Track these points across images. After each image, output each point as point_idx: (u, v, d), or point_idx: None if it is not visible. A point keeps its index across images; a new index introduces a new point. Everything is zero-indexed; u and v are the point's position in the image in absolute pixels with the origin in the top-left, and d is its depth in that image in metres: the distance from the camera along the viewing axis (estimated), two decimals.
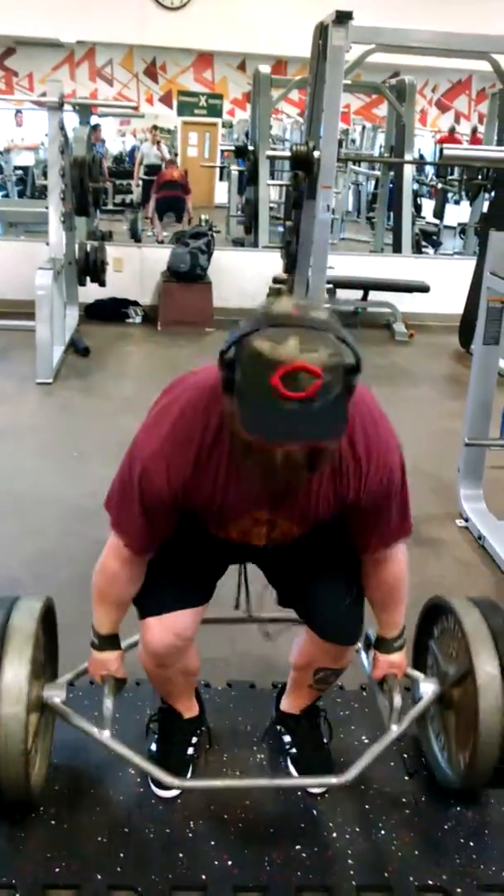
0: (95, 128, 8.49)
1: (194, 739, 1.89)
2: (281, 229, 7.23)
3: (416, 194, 9.07)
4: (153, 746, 1.86)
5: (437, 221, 10.24)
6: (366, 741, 1.95)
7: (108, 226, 8.09)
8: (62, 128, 5.20)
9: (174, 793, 1.80)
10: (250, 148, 7.91)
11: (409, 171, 7.57)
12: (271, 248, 7.06)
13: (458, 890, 1.64)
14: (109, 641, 1.67)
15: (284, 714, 1.93)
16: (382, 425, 1.44)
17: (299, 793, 1.83)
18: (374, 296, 6.49)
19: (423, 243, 8.94)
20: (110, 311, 6.33)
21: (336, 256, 5.78)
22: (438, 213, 10.30)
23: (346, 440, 1.36)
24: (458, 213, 9.96)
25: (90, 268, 5.61)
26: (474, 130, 11.52)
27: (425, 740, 1.93)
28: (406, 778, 1.90)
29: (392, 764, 1.92)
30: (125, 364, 5.47)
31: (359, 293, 6.42)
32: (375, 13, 4.88)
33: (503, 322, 3.03)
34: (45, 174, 6.82)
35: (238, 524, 1.51)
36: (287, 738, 1.91)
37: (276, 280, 6.26)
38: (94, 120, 8.01)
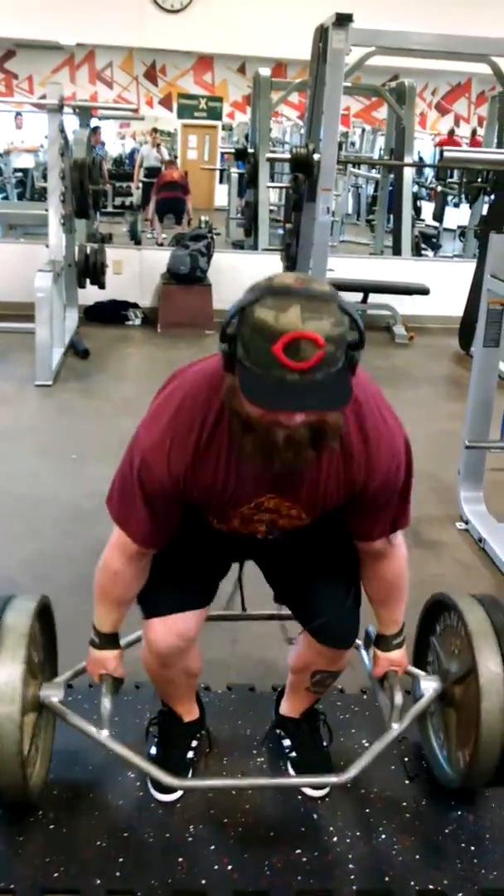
0: (95, 130, 8.50)
1: (194, 743, 1.88)
2: (281, 232, 7.23)
3: (415, 197, 9.08)
4: (153, 750, 1.85)
5: (436, 224, 10.26)
6: (366, 744, 1.93)
7: (107, 228, 8.09)
8: (62, 130, 5.21)
9: (174, 797, 1.79)
10: (250, 150, 7.92)
11: (408, 173, 7.57)
12: (271, 250, 7.05)
13: (459, 894, 1.63)
14: (109, 640, 1.66)
15: (284, 718, 1.92)
16: (389, 412, 1.44)
17: (299, 796, 1.82)
18: (373, 298, 6.49)
19: (423, 246, 8.94)
20: (110, 314, 6.33)
21: (336, 259, 5.78)
22: (438, 215, 10.32)
23: (356, 425, 1.35)
24: (458, 215, 9.99)
25: (90, 270, 5.61)
26: (474, 133, 11.59)
27: (425, 738, 1.92)
28: (406, 781, 1.89)
29: (392, 767, 1.91)
30: (125, 366, 5.46)
31: (359, 296, 6.41)
32: (375, 16, 4.88)
33: (503, 324, 3.03)
34: (44, 176, 6.83)
35: (241, 512, 1.49)
36: (287, 742, 1.91)
37: None
38: (93, 122, 8.01)
